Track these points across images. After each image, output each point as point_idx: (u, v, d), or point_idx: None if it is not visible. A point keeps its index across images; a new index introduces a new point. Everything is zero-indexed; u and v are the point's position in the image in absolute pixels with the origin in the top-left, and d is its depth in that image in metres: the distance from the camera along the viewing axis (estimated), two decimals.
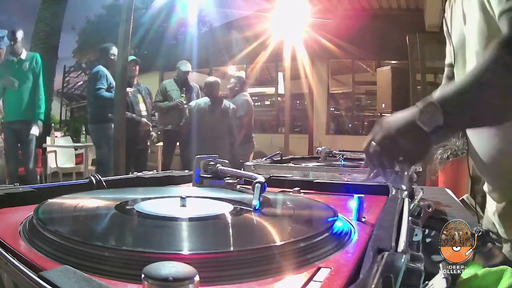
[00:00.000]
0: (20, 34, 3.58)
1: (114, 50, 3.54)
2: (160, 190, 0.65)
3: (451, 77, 0.94)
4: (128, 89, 3.35)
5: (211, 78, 3.93)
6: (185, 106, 4.05)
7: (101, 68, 3.57)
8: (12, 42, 3.52)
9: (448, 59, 0.94)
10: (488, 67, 0.60)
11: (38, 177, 4.53)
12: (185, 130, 3.73)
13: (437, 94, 0.64)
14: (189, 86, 4.28)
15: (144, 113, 3.85)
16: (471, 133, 0.81)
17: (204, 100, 3.71)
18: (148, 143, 4.09)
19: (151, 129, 3.95)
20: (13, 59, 3.56)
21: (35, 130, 3.70)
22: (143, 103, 3.86)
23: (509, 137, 0.72)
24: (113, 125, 3.46)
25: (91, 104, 3.68)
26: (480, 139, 0.78)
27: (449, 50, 0.91)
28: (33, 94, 3.66)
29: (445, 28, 0.90)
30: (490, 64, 0.60)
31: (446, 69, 0.98)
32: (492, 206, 0.82)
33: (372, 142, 0.66)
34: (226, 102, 3.83)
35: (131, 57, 3.70)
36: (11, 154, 3.70)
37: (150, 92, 4.05)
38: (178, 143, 4.27)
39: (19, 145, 3.73)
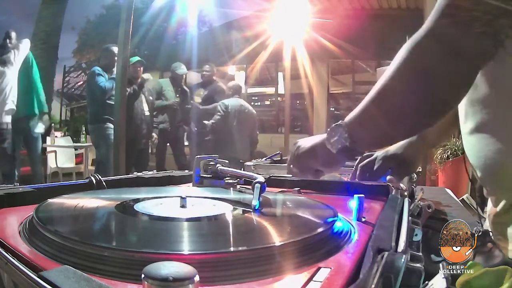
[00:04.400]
0: (13, 36, 3.62)
1: (115, 50, 3.56)
2: (160, 190, 0.65)
3: None
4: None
5: (234, 82, 4.04)
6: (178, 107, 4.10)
7: (96, 67, 3.62)
8: (5, 44, 3.54)
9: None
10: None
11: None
12: (216, 129, 3.74)
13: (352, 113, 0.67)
14: (184, 89, 4.31)
15: (147, 112, 3.90)
16: (463, 131, 0.81)
17: (235, 101, 3.76)
18: (150, 143, 4.12)
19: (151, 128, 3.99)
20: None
21: (40, 128, 3.70)
22: (146, 103, 3.89)
23: (506, 137, 0.71)
24: (110, 125, 3.49)
25: (90, 104, 3.71)
26: (474, 139, 0.77)
27: None
28: (33, 90, 3.66)
29: None
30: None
31: None
32: (489, 210, 0.82)
33: (290, 165, 0.78)
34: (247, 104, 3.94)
35: (136, 58, 3.74)
36: (16, 154, 3.67)
37: (152, 92, 4.08)
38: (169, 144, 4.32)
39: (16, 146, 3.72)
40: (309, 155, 0.75)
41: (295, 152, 0.78)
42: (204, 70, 4.48)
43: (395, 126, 0.63)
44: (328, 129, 0.69)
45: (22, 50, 3.58)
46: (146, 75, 3.86)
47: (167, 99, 4.19)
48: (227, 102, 3.72)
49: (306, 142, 0.77)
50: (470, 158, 0.77)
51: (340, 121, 0.68)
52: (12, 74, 3.45)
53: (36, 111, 3.69)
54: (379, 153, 0.93)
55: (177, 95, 4.24)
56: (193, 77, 4.63)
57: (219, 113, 3.69)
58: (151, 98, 4.01)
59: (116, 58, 3.56)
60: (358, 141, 0.67)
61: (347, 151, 0.67)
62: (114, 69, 3.55)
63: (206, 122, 3.88)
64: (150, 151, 4.30)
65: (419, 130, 0.71)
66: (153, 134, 4.16)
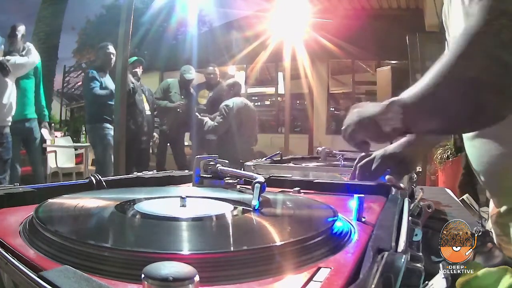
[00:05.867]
0: (21, 29, 3.50)
1: (111, 49, 3.56)
2: (160, 190, 0.65)
3: None
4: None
5: (234, 79, 4.01)
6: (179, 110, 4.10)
7: (91, 70, 3.62)
8: (13, 37, 3.44)
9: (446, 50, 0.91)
10: (463, 63, 0.53)
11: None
12: (223, 129, 3.71)
13: (407, 92, 0.61)
14: (190, 93, 4.29)
15: (148, 112, 3.90)
16: (466, 137, 0.80)
17: (240, 100, 3.75)
18: (150, 143, 4.12)
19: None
20: (14, 55, 3.51)
21: (45, 133, 3.69)
22: (147, 103, 3.90)
23: (508, 141, 0.71)
24: (108, 125, 3.49)
25: (87, 104, 3.74)
26: (476, 144, 0.77)
27: (448, 40, 0.89)
28: (35, 93, 3.64)
29: (443, 19, 0.87)
30: (465, 59, 0.52)
31: None
32: (491, 210, 0.81)
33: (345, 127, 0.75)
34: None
35: (134, 58, 3.75)
36: (15, 156, 3.64)
37: (152, 94, 4.09)
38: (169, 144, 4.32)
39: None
40: (366, 125, 0.68)
41: (354, 119, 0.72)
42: (209, 72, 4.45)
43: (459, 113, 0.56)
44: (384, 105, 0.64)
45: (31, 60, 3.37)
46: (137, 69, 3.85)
47: (172, 102, 4.17)
48: (230, 103, 3.69)
49: (366, 109, 0.70)
50: (473, 163, 0.77)
51: (398, 98, 0.62)
52: (12, 84, 3.25)
53: (44, 119, 3.68)
54: (377, 153, 0.93)
55: (182, 97, 4.23)
56: (194, 78, 4.61)
57: (221, 116, 3.67)
58: (151, 97, 4.01)
59: (111, 56, 3.57)
60: (413, 124, 0.61)
61: (399, 131, 0.62)
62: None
63: (202, 117, 3.83)
64: (151, 151, 4.30)
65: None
66: (154, 134, 4.16)
